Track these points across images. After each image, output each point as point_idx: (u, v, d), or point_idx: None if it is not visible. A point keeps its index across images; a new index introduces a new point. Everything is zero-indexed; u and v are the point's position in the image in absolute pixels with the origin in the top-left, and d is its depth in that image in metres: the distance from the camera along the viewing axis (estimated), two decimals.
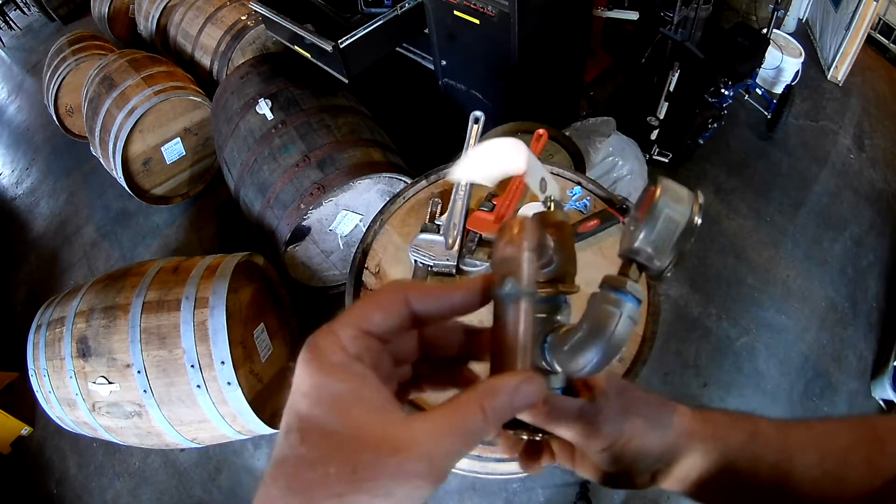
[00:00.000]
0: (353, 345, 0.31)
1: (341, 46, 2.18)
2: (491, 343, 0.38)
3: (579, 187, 1.58)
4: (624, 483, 0.47)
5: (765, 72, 3.32)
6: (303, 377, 0.30)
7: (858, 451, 0.43)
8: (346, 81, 2.34)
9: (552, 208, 0.43)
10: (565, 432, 0.44)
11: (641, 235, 0.38)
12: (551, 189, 0.43)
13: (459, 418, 0.31)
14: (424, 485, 0.29)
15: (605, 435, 0.44)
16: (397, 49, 2.77)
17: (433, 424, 0.30)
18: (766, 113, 3.24)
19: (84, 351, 1.79)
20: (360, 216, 2.33)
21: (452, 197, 1.56)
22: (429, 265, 1.44)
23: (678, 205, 0.38)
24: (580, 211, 1.54)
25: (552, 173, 1.65)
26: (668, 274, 0.40)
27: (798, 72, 3.33)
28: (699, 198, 0.39)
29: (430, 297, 0.36)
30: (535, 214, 0.41)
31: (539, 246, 0.38)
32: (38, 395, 1.92)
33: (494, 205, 1.54)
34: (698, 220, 0.38)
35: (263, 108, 2.36)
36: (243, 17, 3.26)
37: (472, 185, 1.61)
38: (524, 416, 0.42)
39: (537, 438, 0.45)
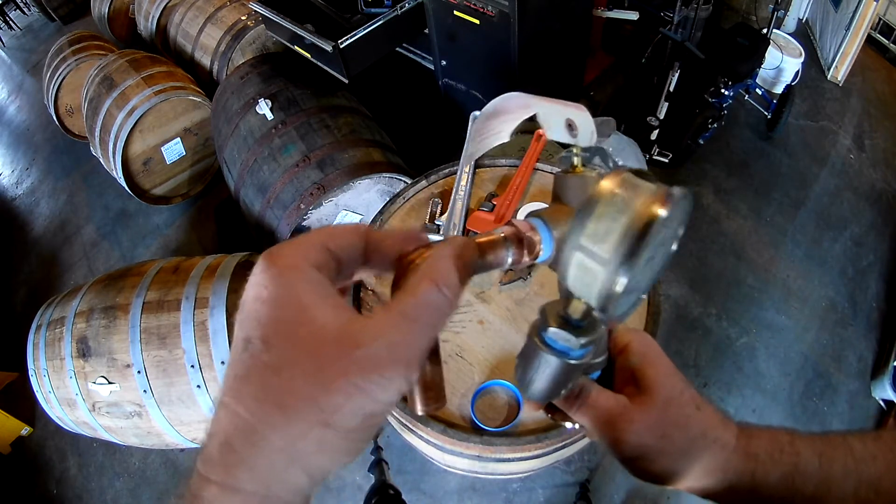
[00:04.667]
0: (314, 255, 0.30)
1: (341, 46, 2.18)
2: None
3: None
4: (635, 475, 0.44)
5: (765, 72, 3.32)
6: (261, 283, 0.28)
7: (890, 477, 0.42)
8: (346, 81, 2.34)
9: (578, 166, 0.37)
10: (592, 429, 0.42)
11: (559, 270, 0.31)
12: (584, 133, 0.37)
13: (413, 299, 0.29)
14: (394, 375, 0.27)
15: (630, 449, 0.41)
16: (397, 49, 2.77)
17: (392, 313, 0.28)
18: (766, 113, 3.24)
19: (84, 351, 1.79)
20: (361, 216, 2.33)
21: (452, 197, 1.56)
22: None
23: (610, 222, 0.28)
24: None
25: (551, 173, 1.65)
26: (621, 315, 0.32)
27: (798, 72, 3.33)
28: (670, 190, 0.29)
29: (387, 238, 0.34)
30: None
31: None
32: (38, 395, 1.92)
33: (494, 205, 1.54)
34: (651, 241, 0.28)
35: (263, 108, 2.36)
36: (243, 17, 3.26)
37: (471, 185, 1.61)
38: (559, 403, 0.41)
39: (568, 426, 0.44)
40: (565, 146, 0.38)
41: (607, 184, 0.30)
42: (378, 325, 0.28)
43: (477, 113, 1.64)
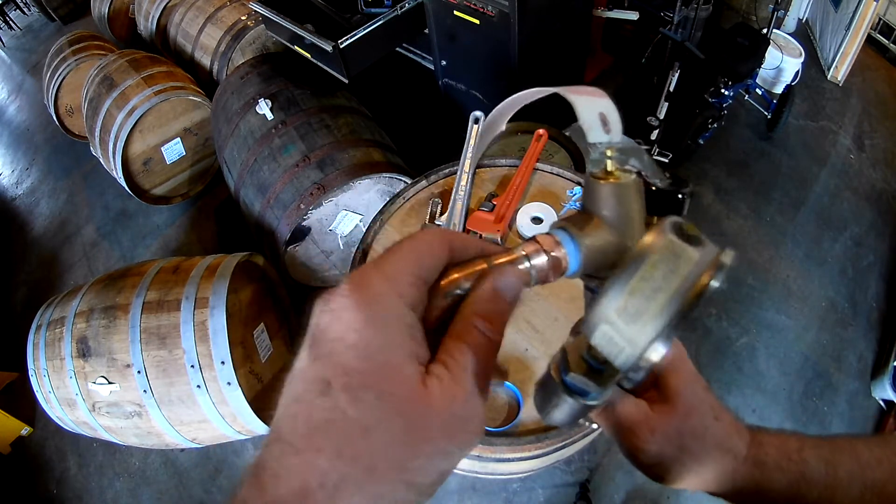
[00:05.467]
0: (410, 293, 0.28)
1: (341, 46, 2.18)
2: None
3: (579, 187, 1.58)
4: (648, 476, 0.44)
5: (765, 72, 3.32)
6: (349, 322, 0.26)
7: (895, 482, 0.42)
8: (346, 81, 2.34)
9: (612, 170, 0.34)
10: (610, 434, 0.42)
11: (598, 328, 0.29)
12: (616, 126, 0.33)
13: (466, 350, 0.29)
14: (471, 436, 0.28)
15: (648, 457, 0.41)
16: (397, 49, 2.77)
17: (454, 369, 0.28)
18: (766, 113, 3.24)
19: (84, 351, 1.79)
20: (360, 216, 2.33)
21: (452, 197, 1.56)
22: None
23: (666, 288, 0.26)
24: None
25: (552, 173, 1.65)
26: (636, 375, 0.33)
27: (798, 72, 3.33)
28: (720, 259, 0.27)
29: (469, 247, 0.33)
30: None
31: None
32: (38, 395, 1.92)
33: (494, 205, 1.54)
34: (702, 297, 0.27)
35: (263, 108, 2.36)
36: (243, 17, 3.26)
37: (471, 185, 1.61)
38: None
39: (592, 427, 0.45)
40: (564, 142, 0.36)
41: (649, 247, 0.27)
42: (451, 386, 0.27)
43: (478, 113, 1.64)
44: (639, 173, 0.35)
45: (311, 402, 0.26)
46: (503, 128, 0.45)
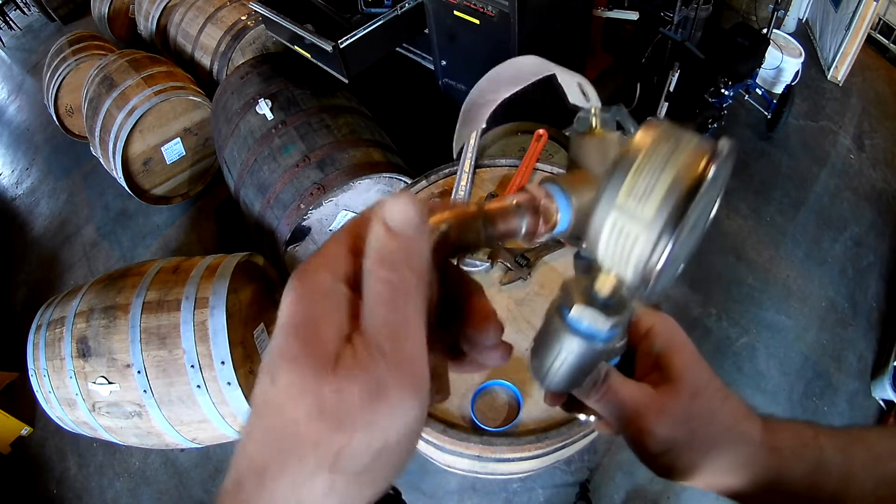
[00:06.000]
0: (341, 264, 0.27)
1: (341, 46, 2.18)
2: None
3: None
4: (657, 473, 0.41)
5: (765, 72, 3.32)
6: (283, 307, 0.26)
7: None
8: (346, 81, 2.34)
9: (597, 127, 0.33)
10: (614, 421, 0.39)
11: (587, 231, 0.27)
12: (591, 95, 0.34)
13: (375, 305, 0.25)
14: (407, 397, 0.24)
15: (657, 443, 0.38)
16: (397, 49, 2.77)
17: (372, 324, 0.25)
18: (766, 113, 3.24)
19: (84, 351, 1.79)
20: None
21: (452, 197, 1.56)
22: None
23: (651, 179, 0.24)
24: None
25: (551, 173, 1.65)
26: (658, 292, 0.27)
27: (798, 72, 3.33)
28: (717, 146, 0.25)
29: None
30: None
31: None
32: (38, 395, 1.92)
33: None
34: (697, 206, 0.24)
35: (263, 108, 2.36)
36: (243, 17, 3.26)
37: (471, 185, 1.61)
38: (578, 393, 0.38)
39: (590, 419, 0.41)
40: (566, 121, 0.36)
41: (646, 135, 0.25)
42: (363, 356, 0.24)
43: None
44: (623, 132, 0.34)
45: (254, 392, 0.26)
46: (486, 115, 0.43)
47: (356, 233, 0.28)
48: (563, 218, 0.31)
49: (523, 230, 0.31)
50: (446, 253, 0.29)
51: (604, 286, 0.28)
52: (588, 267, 0.30)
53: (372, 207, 0.28)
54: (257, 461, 0.24)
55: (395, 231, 0.26)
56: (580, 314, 0.29)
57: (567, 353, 0.30)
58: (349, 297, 0.26)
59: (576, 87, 0.33)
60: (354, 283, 0.27)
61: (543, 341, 0.32)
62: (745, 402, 0.42)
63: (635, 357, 0.41)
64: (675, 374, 0.39)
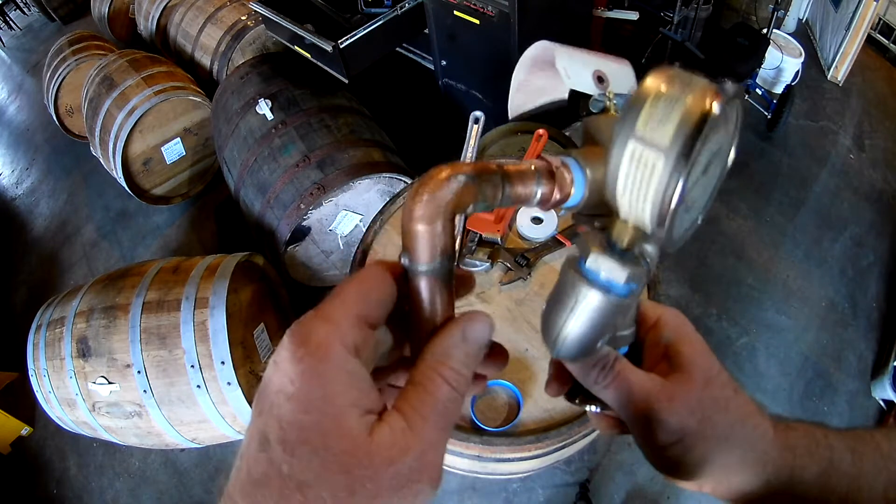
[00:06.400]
0: (352, 336, 0.27)
1: (341, 46, 2.18)
2: (411, 321, 0.32)
3: None
4: (665, 470, 0.40)
5: (765, 72, 3.32)
6: (288, 375, 0.25)
7: None
8: (346, 81, 2.34)
9: (611, 111, 0.35)
10: (622, 410, 0.38)
11: (606, 173, 0.27)
12: (618, 80, 0.35)
13: (429, 400, 0.27)
14: (425, 489, 0.26)
15: (668, 433, 0.36)
16: (397, 49, 2.77)
17: (412, 419, 0.27)
18: (766, 113, 3.24)
19: (84, 351, 1.79)
20: (360, 216, 2.33)
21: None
22: None
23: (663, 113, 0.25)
24: None
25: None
26: (678, 238, 0.28)
27: (798, 72, 3.33)
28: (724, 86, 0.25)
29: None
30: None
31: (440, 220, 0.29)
32: (38, 395, 1.92)
33: None
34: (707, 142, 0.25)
35: (263, 108, 2.36)
36: (243, 17, 3.26)
37: None
38: (587, 381, 0.37)
39: (595, 410, 0.40)
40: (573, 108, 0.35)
41: (657, 76, 0.26)
42: (405, 437, 0.26)
43: (478, 113, 1.64)
44: None
45: (252, 457, 0.25)
46: (563, 94, 0.42)
47: (364, 297, 0.28)
48: (577, 189, 0.31)
49: (538, 196, 0.30)
50: (464, 208, 0.29)
51: (621, 235, 0.28)
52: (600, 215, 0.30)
53: (375, 265, 0.30)
54: None
55: (471, 344, 0.28)
56: (596, 262, 0.28)
57: (583, 307, 0.29)
58: (364, 374, 0.27)
59: (587, 76, 0.33)
60: (363, 355, 0.27)
61: (557, 297, 0.30)
62: (754, 398, 0.40)
63: (643, 349, 0.40)
64: (686, 362, 0.37)
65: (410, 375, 0.29)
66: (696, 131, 0.24)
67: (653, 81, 0.26)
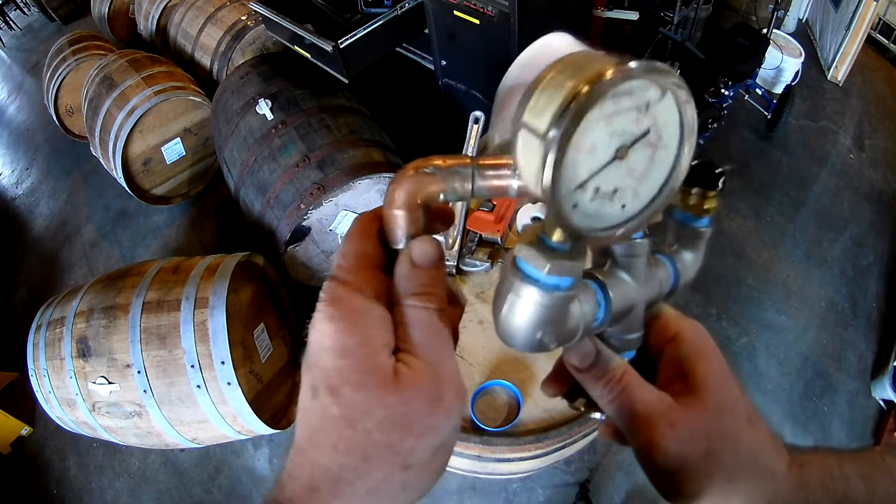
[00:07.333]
0: (368, 286, 0.30)
1: (341, 46, 2.18)
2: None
3: None
4: (662, 493, 0.37)
5: (765, 72, 3.32)
6: (325, 332, 0.29)
7: None
8: (346, 81, 2.34)
9: None
10: (622, 426, 0.36)
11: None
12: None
13: (416, 329, 0.30)
14: (455, 403, 0.30)
15: (667, 460, 0.34)
16: (397, 49, 2.77)
17: (414, 350, 0.30)
18: (766, 113, 3.24)
19: (84, 351, 1.79)
20: None
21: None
22: None
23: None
24: None
25: None
26: (589, 232, 0.27)
27: (798, 72, 3.33)
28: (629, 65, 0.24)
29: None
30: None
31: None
32: (38, 395, 1.92)
33: (494, 205, 1.54)
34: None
35: (263, 108, 2.36)
36: (243, 17, 3.26)
37: None
38: (592, 390, 0.37)
39: (597, 417, 0.39)
40: None
41: (557, 62, 0.26)
42: (417, 367, 0.29)
43: (478, 113, 1.64)
44: None
45: (308, 408, 0.29)
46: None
47: (363, 251, 0.32)
48: None
49: (515, 187, 0.31)
50: (433, 198, 0.31)
51: (551, 230, 0.28)
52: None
53: (358, 220, 0.33)
54: (332, 469, 0.28)
55: (421, 266, 0.30)
56: (520, 253, 0.29)
57: (511, 298, 0.30)
58: (386, 316, 0.30)
59: None
60: (384, 300, 0.31)
61: (498, 287, 0.31)
62: (773, 430, 0.38)
63: (659, 363, 0.38)
64: (700, 386, 0.35)
65: (393, 318, 0.31)
66: (575, 110, 0.24)
67: (548, 68, 0.26)
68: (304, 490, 0.29)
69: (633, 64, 0.24)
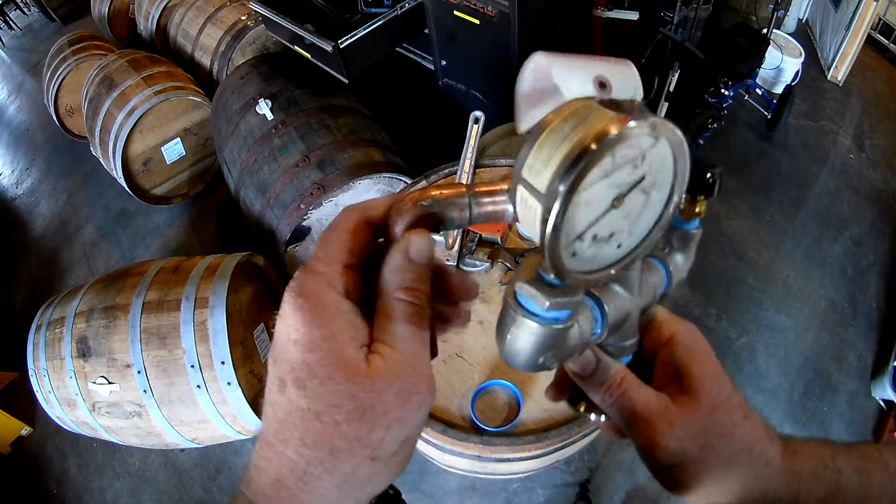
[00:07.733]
0: (340, 282, 0.30)
1: (341, 46, 2.18)
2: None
3: None
4: (664, 486, 0.40)
5: (765, 72, 3.32)
6: (293, 324, 0.28)
7: None
8: (346, 81, 2.34)
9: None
10: (624, 426, 0.38)
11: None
12: (621, 83, 0.30)
13: (398, 322, 0.30)
14: (426, 397, 0.30)
15: (667, 456, 0.36)
16: (397, 49, 2.77)
17: (392, 342, 0.30)
18: (766, 113, 3.23)
19: (84, 351, 1.79)
20: None
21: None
22: None
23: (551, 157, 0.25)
24: None
25: None
26: (587, 274, 0.28)
27: (798, 72, 3.33)
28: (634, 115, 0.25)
29: (382, 207, 0.34)
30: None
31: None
32: (38, 395, 1.92)
33: None
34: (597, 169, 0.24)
35: (263, 108, 2.36)
36: (243, 17, 3.26)
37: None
38: (594, 395, 0.38)
39: (599, 419, 0.40)
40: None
41: (556, 112, 0.26)
42: (393, 359, 0.29)
43: (478, 113, 1.64)
44: None
45: (275, 401, 0.29)
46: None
47: (344, 246, 0.31)
48: None
49: (511, 213, 0.31)
50: (429, 225, 0.32)
51: (548, 268, 0.28)
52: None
53: (347, 215, 0.33)
54: (300, 463, 0.28)
55: (415, 262, 0.30)
56: (520, 290, 0.30)
57: (514, 330, 0.31)
58: (356, 311, 0.30)
59: (587, 82, 0.31)
60: (353, 296, 0.30)
61: (500, 317, 0.32)
62: (766, 421, 0.40)
63: (655, 366, 0.40)
64: (695, 385, 0.37)
65: (376, 307, 0.31)
66: (573, 171, 0.24)
67: (548, 118, 0.26)
68: (270, 483, 0.29)
69: (632, 123, 0.24)
